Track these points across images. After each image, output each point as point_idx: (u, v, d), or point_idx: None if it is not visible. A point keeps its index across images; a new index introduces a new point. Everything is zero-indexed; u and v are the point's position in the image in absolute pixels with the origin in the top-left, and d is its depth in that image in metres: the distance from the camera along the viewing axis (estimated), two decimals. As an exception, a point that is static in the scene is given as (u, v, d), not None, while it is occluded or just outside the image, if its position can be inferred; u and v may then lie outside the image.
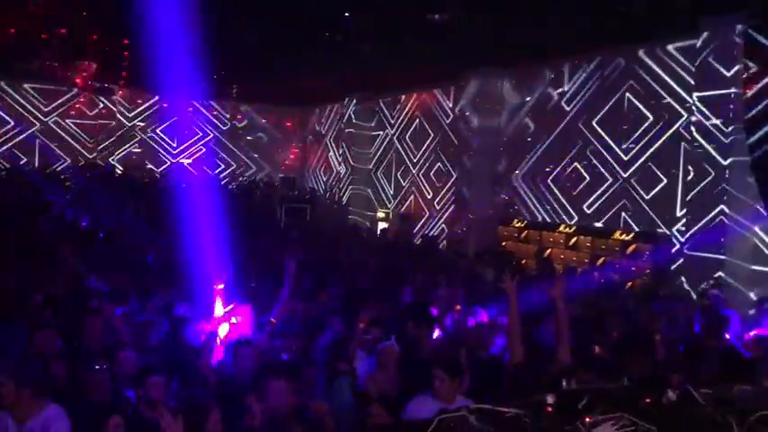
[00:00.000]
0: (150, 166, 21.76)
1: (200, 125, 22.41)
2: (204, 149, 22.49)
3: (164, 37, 12.37)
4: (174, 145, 22.23)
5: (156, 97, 21.63)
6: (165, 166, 21.98)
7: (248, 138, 23.44)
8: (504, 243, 14.00)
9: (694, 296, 9.49)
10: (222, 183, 21.42)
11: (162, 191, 16.73)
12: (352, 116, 20.07)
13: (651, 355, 4.61)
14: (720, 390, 2.53)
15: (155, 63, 14.73)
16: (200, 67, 15.14)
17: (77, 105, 20.75)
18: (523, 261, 12.97)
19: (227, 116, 22.93)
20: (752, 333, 6.66)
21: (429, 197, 17.22)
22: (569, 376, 2.87)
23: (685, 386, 2.47)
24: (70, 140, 20.94)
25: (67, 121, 20.80)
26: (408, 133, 18.28)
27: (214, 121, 22.72)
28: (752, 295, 9.27)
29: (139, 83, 19.09)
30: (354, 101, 19.83)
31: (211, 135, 22.59)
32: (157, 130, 21.98)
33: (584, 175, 12.76)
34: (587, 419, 2.16)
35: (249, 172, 23.42)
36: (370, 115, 19.97)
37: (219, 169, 22.89)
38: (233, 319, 5.74)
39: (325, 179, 22.69)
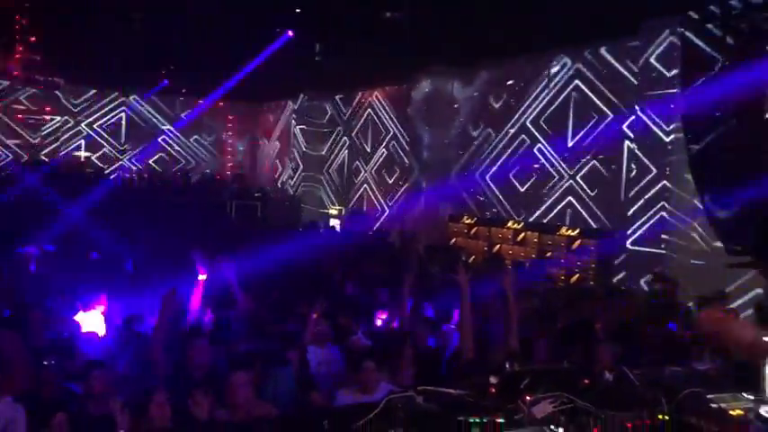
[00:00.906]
0: (96, 162, 21.27)
1: (149, 120, 22.03)
2: (152, 145, 22.10)
3: (111, 30, 12.16)
4: (122, 141, 21.80)
5: (103, 91, 21.16)
6: (111, 163, 21.52)
7: (198, 134, 23.12)
8: (453, 239, 14.19)
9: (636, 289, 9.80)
10: (171, 179, 21.08)
11: (109, 187, 16.42)
12: (305, 113, 20.01)
13: (590, 345, 4.77)
14: (653, 371, 2.66)
15: (101, 56, 14.46)
16: (148, 62, 14.95)
17: (20, 99, 20.11)
18: (473, 257, 13.17)
19: (177, 111, 22.57)
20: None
21: (381, 194, 17.31)
22: (512, 360, 2.98)
23: (621, 368, 2.59)
24: (11, 136, 20.29)
25: (9, 115, 20.14)
26: (361, 130, 18.34)
27: (163, 116, 22.34)
28: (690, 289, 9.61)
29: (85, 76, 18.67)
30: (306, 97, 19.77)
31: (160, 130, 22.22)
32: (104, 126, 21.51)
33: (532, 172, 13.02)
34: (528, 398, 2.26)
35: (199, 169, 23.11)
36: (322, 112, 19.95)
37: (168, 166, 22.53)
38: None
39: (276, 176, 22.56)
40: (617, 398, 2.28)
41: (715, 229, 7.35)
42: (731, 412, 2.29)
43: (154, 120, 22.16)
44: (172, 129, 22.43)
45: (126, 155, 21.79)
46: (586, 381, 2.53)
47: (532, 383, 2.41)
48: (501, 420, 2.06)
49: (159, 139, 22.25)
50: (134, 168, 21.58)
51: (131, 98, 21.58)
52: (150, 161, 22.18)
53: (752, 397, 2.42)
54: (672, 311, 6.77)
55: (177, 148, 22.77)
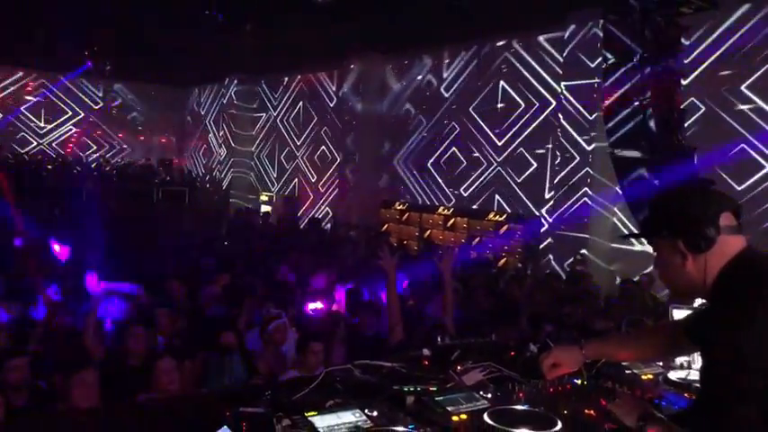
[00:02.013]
0: (15, 146, 20.35)
1: (71, 104, 21.21)
2: (75, 130, 21.32)
3: (31, 8, 11.65)
4: (42, 124, 20.93)
5: (21, 73, 20.24)
6: (31, 147, 20.65)
7: (123, 118, 22.42)
8: (386, 225, 14.36)
9: (561, 272, 10.20)
10: (95, 165, 20.41)
11: (29, 173, 15.78)
12: (233, 97, 19.70)
13: (516, 323, 5.02)
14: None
15: (21, 36, 13.82)
16: (70, 42, 14.37)
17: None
18: (405, 242, 13.38)
19: (100, 95, 21.82)
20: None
21: (313, 180, 17.29)
22: (444, 334, 3.12)
23: (545, 340, 2.75)
24: None
25: None
26: (292, 115, 18.22)
27: (86, 99, 21.55)
28: (612, 270, 10.08)
29: (4, 56, 17.81)
30: (235, 81, 19.47)
31: (82, 115, 21.44)
32: (22, 108, 20.59)
33: (461, 159, 13.30)
34: (458, 367, 2.39)
35: (123, 154, 22.44)
36: (251, 96, 19.69)
37: (91, 151, 21.79)
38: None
39: (204, 162, 22.16)
40: (540, 367, 2.42)
41: (632, 213, 7.73)
42: (643, 377, 2.49)
43: (75, 103, 21.36)
44: (96, 113, 21.68)
45: (46, 138, 20.94)
46: (512, 353, 2.67)
47: (463, 355, 2.54)
48: (434, 388, 2.17)
49: (82, 123, 21.46)
50: (54, 154, 20.77)
51: (52, 80, 20.71)
52: (72, 145, 21.39)
53: (661, 363, 2.63)
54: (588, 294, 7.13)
55: (100, 132, 22.04)
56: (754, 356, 1.62)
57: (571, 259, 10.35)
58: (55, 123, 21.11)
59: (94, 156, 21.63)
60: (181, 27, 12.67)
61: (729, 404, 1.64)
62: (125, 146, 22.59)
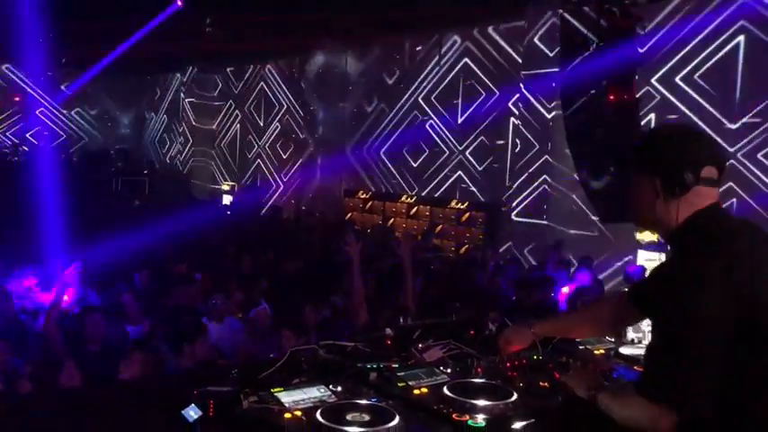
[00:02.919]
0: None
1: (29, 92, 20.65)
2: (32, 118, 20.78)
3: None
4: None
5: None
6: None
7: (80, 107, 21.94)
8: (349, 213, 14.40)
9: (521, 258, 10.39)
10: (53, 154, 19.92)
11: None
12: (194, 85, 19.45)
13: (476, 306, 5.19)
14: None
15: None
16: (27, 29, 14.00)
17: None
18: (368, 230, 13.44)
19: (60, 83, 21.29)
20: (564, 290, 7.45)
21: (276, 169, 17.21)
22: (406, 315, 3.20)
23: (503, 320, 2.85)
24: None
25: None
26: (253, 104, 18.08)
27: (44, 87, 21.00)
28: (570, 256, 10.29)
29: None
30: (195, 69, 19.22)
31: (41, 103, 20.89)
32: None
33: (424, 147, 13.40)
34: (419, 346, 2.47)
35: (82, 143, 21.98)
36: (212, 85, 19.47)
37: (50, 139, 21.26)
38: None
39: (164, 151, 21.87)
40: (497, 345, 2.52)
41: (590, 200, 7.94)
42: (595, 352, 2.61)
43: (31, 91, 20.81)
44: (51, 101, 21.16)
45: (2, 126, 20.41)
46: (472, 332, 2.77)
47: (424, 334, 2.63)
48: (396, 365, 2.25)
49: (37, 112, 20.93)
50: (9, 143, 20.23)
51: (4, 67, 20.16)
52: (28, 135, 20.86)
53: (613, 340, 2.75)
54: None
55: (57, 121, 21.54)
56: (700, 313, 1.68)
57: (531, 245, 10.57)
58: (11, 111, 20.56)
59: (52, 144, 21.09)
60: (140, 14, 12.46)
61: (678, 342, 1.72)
62: (83, 134, 22.10)
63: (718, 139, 8.54)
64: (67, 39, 14.69)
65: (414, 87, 13.60)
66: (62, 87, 20.97)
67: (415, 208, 13.06)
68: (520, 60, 11.19)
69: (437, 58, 13.14)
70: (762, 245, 1.87)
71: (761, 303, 1.72)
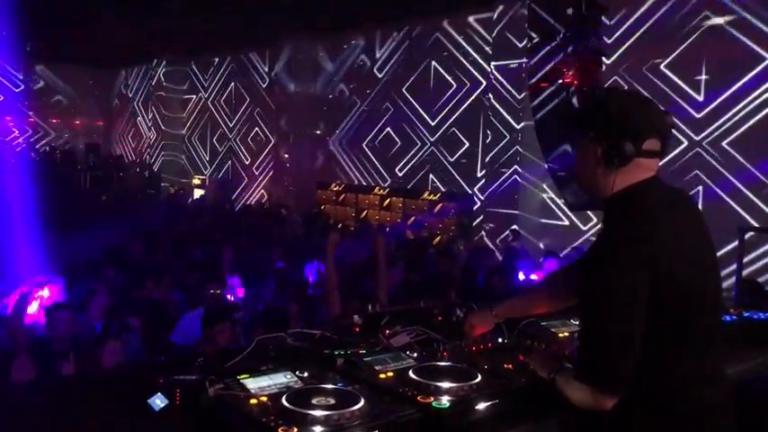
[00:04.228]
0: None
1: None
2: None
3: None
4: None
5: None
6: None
7: (47, 100, 21.54)
8: (322, 206, 14.37)
9: (492, 247, 10.47)
10: (16, 151, 19.56)
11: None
12: (162, 78, 19.22)
13: (445, 296, 5.24)
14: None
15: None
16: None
17: None
18: (340, 224, 13.43)
19: (20, 77, 20.86)
20: (533, 277, 7.54)
21: (247, 162, 17.10)
22: (374, 303, 3.22)
23: (470, 305, 2.88)
24: None
25: None
26: (223, 97, 17.92)
27: (4, 81, 20.58)
28: (541, 244, 10.41)
29: None
30: (164, 62, 18.99)
31: (2, 98, 20.46)
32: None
33: (396, 139, 13.42)
34: (387, 332, 2.49)
35: (47, 138, 21.59)
36: (181, 78, 19.25)
37: (12, 136, 20.85)
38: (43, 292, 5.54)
39: (133, 145, 21.60)
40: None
41: (559, 189, 8.02)
42: (560, 334, 2.65)
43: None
44: (16, 95, 20.73)
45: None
46: (440, 317, 2.80)
47: (392, 321, 2.65)
48: (363, 351, 2.27)
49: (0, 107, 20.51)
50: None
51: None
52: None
53: (577, 322, 2.79)
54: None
55: (22, 116, 21.10)
56: (614, 286, 1.73)
57: (504, 234, 10.66)
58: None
59: (15, 141, 20.68)
60: (106, 6, 12.25)
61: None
62: (48, 130, 21.70)
63: (684, 128, 8.74)
64: (33, 26, 14.36)
65: (385, 78, 13.60)
66: (27, 81, 20.58)
67: (388, 199, 13.09)
68: (490, 51, 11.26)
69: (408, 48, 13.15)
70: (689, 222, 1.91)
71: (679, 282, 1.77)
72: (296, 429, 1.64)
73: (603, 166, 1.86)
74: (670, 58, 9.21)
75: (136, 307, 5.75)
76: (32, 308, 5.31)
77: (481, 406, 1.91)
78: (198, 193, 18.07)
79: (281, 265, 7.51)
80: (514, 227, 10.43)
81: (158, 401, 1.93)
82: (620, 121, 1.85)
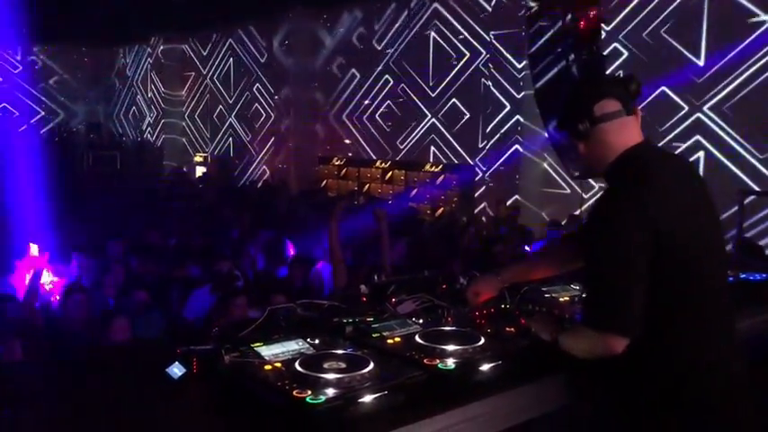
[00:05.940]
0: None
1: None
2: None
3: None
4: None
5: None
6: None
7: (45, 81, 21.48)
8: (324, 181, 14.43)
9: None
10: (18, 131, 19.59)
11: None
12: (161, 57, 19.15)
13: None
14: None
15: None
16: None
17: None
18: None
19: (17, 58, 20.79)
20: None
21: (248, 138, 17.11)
22: (381, 273, 3.30)
23: (473, 273, 2.96)
24: None
25: None
26: (222, 73, 17.86)
27: (2, 63, 20.51)
28: (543, 214, 10.48)
29: None
30: (162, 40, 18.90)
31: (5, 77, 20.42)
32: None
33: (397, 112, 13.42)
34: (393, 300, 2.58)
35: (49, 119, 21.58)
36: (179, 55, 19.17)
37: (14, 116, 20.85)
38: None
39: (134, 124, 21.59)
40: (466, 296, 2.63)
41: (560, 157, 8.07)
42: (560, 299, 2.74)
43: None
44: (15, 77, 20.71)
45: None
46: (444, 285, 2.88)
47: (398, 290, 2.73)
48: (370, 319, 2.35)
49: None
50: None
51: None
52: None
53: (578, 287, 2.88)
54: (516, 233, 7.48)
55: (22, 96, 21.08)
56: (618, 239, 1.81)
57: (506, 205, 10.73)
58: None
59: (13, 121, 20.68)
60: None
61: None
62: (50, 110, 21.68)
63: (685, 93, 8.74)
64: (30, 5, 14.28)
65: (384, 50, 13.54)
66: (25, 62, 20.53)
67: (390, 172, 13.13)
68: (489, 20, 11.20)
69: (406, 19, 13.07)
70: (686, 182, 1.98)
71: (680, 242, 1.84)
72: (309, 392, 1.72)
73: (582, 144, 1.98)
74: (669, 24, 9.17)
75: (148, 284, 5.85)
76: (45, 279, 5.40)
77: (485, 367, 2.00)
78: (200, 170, 18.10)
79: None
80: (515, 197, 10.49)
81: (176, 370, 2.02)
82: (571, 103, 2.00)
